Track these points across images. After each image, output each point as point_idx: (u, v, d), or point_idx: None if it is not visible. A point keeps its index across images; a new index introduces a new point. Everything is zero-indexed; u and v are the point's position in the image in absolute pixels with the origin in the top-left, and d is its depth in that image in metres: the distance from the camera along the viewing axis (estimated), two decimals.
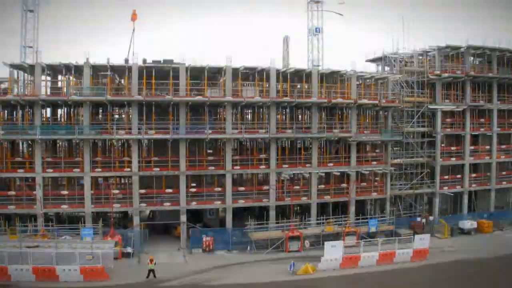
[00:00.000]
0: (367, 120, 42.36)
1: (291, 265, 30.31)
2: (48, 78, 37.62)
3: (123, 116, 41.91)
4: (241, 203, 37.82)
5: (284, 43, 44.08)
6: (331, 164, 40.03)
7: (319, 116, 40.02)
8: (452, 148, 44.65)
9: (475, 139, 45.62)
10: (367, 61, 46.25)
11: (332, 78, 41.09)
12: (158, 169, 36.37)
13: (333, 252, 31.61)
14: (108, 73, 36.06)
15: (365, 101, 39.78)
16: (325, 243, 32.12)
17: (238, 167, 38.05)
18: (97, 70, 36.70)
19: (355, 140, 39.65)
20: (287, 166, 39.32)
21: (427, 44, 43.23)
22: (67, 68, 35.71)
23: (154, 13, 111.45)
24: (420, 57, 42.63)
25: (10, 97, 34.32)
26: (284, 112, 44.77)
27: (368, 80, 42.11)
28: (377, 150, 42.77)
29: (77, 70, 35.66)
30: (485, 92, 45.05)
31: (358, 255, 32.26)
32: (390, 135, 41.12)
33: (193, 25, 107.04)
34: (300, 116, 44.36)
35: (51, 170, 35.38)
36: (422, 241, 33.74)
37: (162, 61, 36.66)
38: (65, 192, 36.47)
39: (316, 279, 29.69)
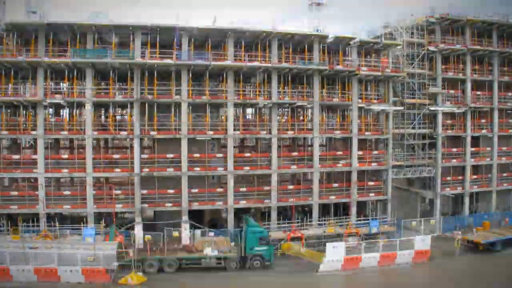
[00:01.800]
0: (369, 121, 42.38)
1: None
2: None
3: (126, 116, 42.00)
4: (243, 203, 37.93)
5: None
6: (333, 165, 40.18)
7: (320, 116, 40.09)
8: (453, 149, 44.71)
9: (476, 141, 45.68)
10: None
11: (332, 80, 41.15)
12: (160, 169, 36.42)
13: (334, 253, 31.66)
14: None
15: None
16: (327, 244, 32.20)
17: (239, 168, 38.12)
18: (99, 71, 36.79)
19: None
20: (289, 166, 39.46)
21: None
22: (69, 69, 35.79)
23: (153, 15, 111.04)
24: (422, 62, 42.68)
25: (12, 97, 34.53)
26: (286, 113, 44.96)
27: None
28: (378, 152, 42.71)
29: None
30: (485, 92, 45.17)
31: (359, 256, 32.30)
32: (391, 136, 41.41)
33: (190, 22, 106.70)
34: (301, 117, 44.41)
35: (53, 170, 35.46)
36: (423, 242, 33.77)
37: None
38: (68, 192, 36.62)
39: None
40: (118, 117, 42.66)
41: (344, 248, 32.18)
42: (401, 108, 42.02)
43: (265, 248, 32.09)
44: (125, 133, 36.65)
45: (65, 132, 36.27)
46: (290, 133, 39.96)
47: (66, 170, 35.72)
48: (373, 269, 32.15)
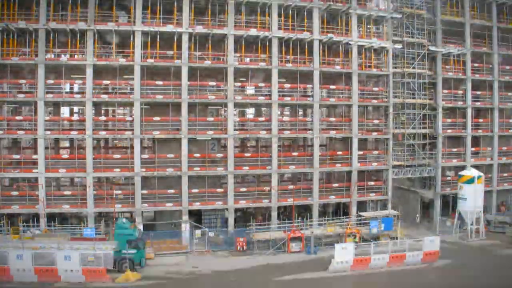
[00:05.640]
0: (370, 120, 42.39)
1: None
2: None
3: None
4: (243, 203, 37.94)
5: None
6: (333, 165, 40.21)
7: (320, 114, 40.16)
8: (454, 149, 44.67)
9: (476, 141, 45.66)
10: None
11: (332, 80, 41.20)
12: (160, 169, 36.43)
13: (343, 254, 31.36)
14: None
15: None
16: (336, 245, 31.77)
17: (239, 168, 38.10)
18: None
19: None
20: (288, 166, 39.49)
21: None
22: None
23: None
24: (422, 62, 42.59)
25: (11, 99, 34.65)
26: (286, 112, 44.95)
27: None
28: (377, 151, 42.72)
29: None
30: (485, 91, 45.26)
31: (368, 257, 32.08)
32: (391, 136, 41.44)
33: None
34: (302, 116, 44.49)
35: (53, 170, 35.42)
36: (432, 243, 33.55)
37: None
38: (68, 192, 36.58)
39: None
40: (118, 117, 42.63)
41: (353, 249, 31.68)
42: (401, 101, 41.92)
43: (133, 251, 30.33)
44: (126, 133, 36.62)
45: (66, 132, 36.22)
46: (290, 133, 39.94)
47: (65, 170, 35.71)
48: (383, 270, 31.66)
